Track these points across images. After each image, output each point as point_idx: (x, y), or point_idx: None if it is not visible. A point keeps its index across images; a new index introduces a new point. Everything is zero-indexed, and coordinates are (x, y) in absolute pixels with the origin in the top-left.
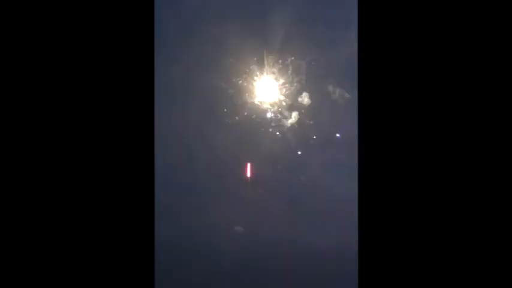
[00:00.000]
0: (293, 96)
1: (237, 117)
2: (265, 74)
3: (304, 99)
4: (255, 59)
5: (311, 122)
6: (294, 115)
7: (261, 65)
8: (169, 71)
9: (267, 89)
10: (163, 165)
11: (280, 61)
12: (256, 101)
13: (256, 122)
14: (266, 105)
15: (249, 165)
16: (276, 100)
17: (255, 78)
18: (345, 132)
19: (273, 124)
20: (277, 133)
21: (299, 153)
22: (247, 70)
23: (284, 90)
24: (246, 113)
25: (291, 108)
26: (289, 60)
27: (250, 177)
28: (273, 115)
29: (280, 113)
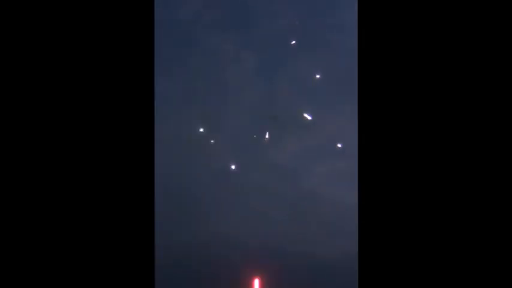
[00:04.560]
0: (290, 104)
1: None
2: (264, 82)
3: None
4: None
5: (311, 131)
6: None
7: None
8: (168, 79)
9: (266, 97)
10: (162, 173)
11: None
12: (255, 109)
13: (255, 130)
14: (265, 114)
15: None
16: (274, 106)
17: (254, 87)
18: (345, 140)
19: (269, 133)
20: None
21: (300, 161)
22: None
23: (281, 97)
24: (246, 121)
25: (289, 115)
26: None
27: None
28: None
29: (278, 120)
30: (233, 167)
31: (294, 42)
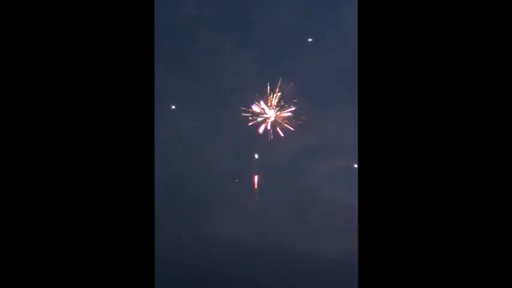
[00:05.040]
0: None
1: (237, 124)
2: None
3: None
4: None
5: (311, 129)
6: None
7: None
8: (169, 78)
9: (266, 96)
10: (163, 173)
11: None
12: (255, 109)
13: (254, 129)
14: (264, 113)
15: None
16: (274, 106)
17: (255, 86)
18: (345, 139)
19: (270, 129)
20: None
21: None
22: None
23: (280, 96)
24: (246, 120)
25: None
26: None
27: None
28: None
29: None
30: (236, 180)
31: (310, 39)
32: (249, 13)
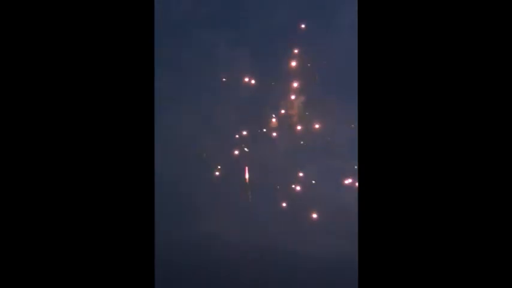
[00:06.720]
0: (286, 101)
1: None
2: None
3: (299, 104)
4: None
5: (307, 128)
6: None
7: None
8: (166, 77)
9: (262, 94)
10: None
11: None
12: (252, 107)
13: (252, 126)
14: (262, 111)
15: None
16: (272, 105)
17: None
18: (344, 138)
19: (265, 130)
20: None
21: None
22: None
23: (277, 95)
24: (242, 119)
25: (285, 113)
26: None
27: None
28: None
29: (275, 117)
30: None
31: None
32: (246, 13)
